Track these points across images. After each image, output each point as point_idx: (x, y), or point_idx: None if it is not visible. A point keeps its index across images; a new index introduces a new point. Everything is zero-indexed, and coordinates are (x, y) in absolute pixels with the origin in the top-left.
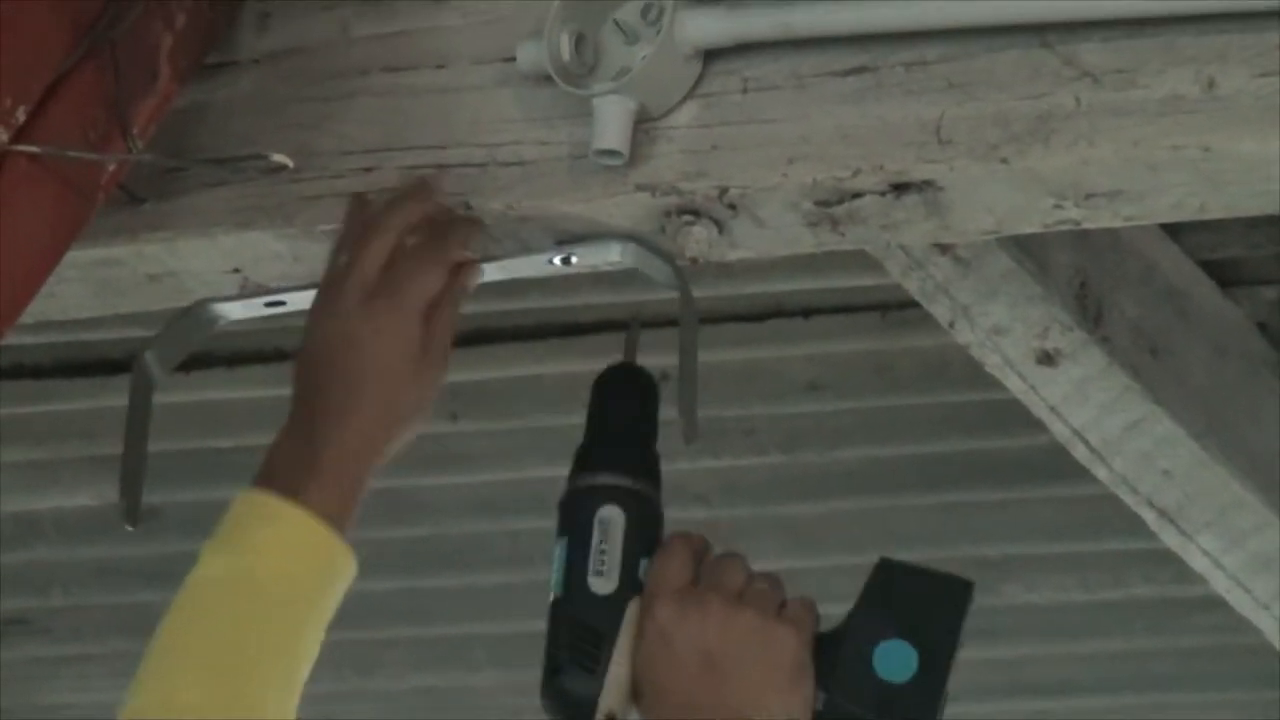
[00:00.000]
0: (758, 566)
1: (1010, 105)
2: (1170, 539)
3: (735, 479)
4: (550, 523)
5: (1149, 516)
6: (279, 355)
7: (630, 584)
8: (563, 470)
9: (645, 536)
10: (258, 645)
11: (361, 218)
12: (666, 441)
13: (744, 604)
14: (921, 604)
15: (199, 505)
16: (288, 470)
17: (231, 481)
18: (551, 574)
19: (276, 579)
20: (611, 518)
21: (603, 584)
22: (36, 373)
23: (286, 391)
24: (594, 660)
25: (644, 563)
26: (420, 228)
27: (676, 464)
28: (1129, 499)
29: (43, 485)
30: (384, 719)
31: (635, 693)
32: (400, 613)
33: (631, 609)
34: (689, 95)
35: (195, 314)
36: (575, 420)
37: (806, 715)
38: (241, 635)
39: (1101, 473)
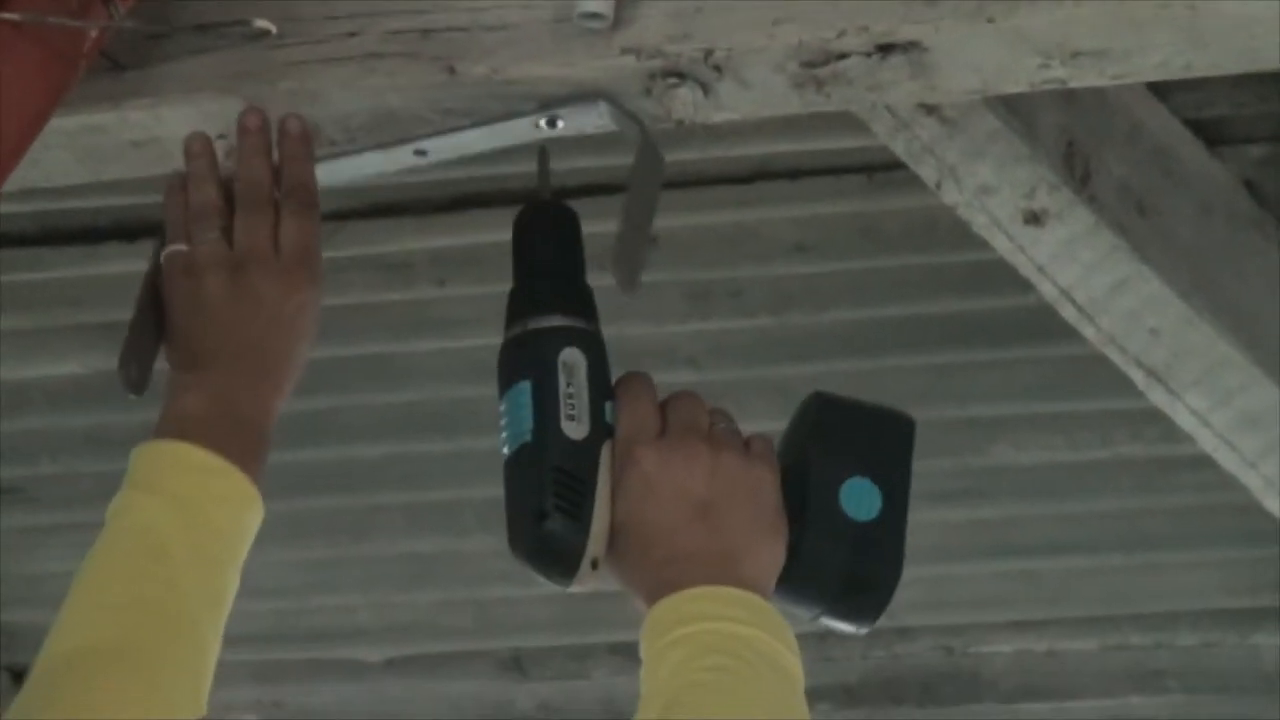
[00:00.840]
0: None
1: None
2: (1158, 397)
3: (723, 341)
4: None
5: (1137, 375)
6: None
7: (600, 428)
8: None
9: (604, 378)
10: (198, 588)
11: (203, 199)
12: (654, 303)
13: (725, 447)
14: (875, 442)
15: None
16: (208, 428)
17: None
18: (511, 421)
19: (211, 528)
20: (574, 360)
21: (576, 429)
22: (22, 241)
23: None
24: (580, 507)
25: (608, 405)
26: (276, 184)
27: (665, 326)
28: (1117, 358)
29: (30, 354)
30: (375, 583)
31: (610, 540)
32: (391, 478)
33: (605, 453)
34: None
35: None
36: None
37: (784, 555)
38: (181, 577)
39: (1089, 332)
